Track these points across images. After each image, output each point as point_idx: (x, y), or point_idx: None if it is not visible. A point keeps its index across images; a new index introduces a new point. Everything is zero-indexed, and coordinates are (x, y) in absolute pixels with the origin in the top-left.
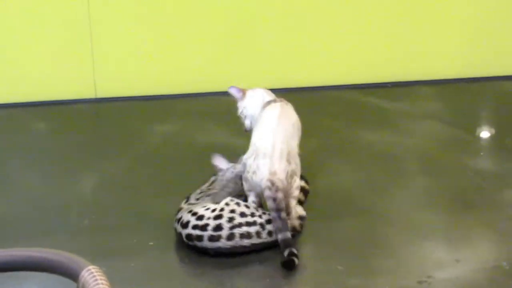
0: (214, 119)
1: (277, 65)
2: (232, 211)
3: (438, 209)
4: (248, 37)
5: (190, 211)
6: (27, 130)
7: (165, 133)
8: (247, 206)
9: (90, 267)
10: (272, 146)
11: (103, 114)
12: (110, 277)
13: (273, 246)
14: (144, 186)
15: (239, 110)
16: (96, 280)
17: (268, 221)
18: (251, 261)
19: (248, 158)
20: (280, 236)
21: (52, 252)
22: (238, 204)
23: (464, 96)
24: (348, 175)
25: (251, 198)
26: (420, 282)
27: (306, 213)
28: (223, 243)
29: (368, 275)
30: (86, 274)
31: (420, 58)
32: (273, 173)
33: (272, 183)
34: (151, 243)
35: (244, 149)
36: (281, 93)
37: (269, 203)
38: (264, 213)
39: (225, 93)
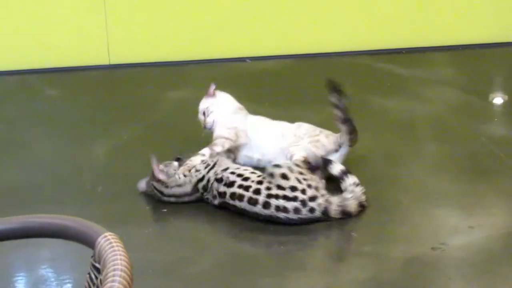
0: (227, 85)
1: (289, 32)
2: (270, 182)
3: (452, 176)
4: (261, 4)
5: (233, 172)
6: (41, 97)
7: (178, 100)
8: (284, 178)
9: (107, 233)
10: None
11: (117, 80)
12: (125, 243)
13: (312, 222)
14: (158, 152)
15: (205, 106)
16: (113, 246)
17: (313, 198)
18: (266, 228)
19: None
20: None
21: (68, 219)
22: (271, 175)
23: (479, 62)
24: (362, 141)
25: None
26: (434, 249)
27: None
28: (259, 210)
29: (382, 242)
30: (103, 240)
31: (434, 24)
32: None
33: None
34: (164, 210)
35: (256, 113)
36: (294, 59)
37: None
38: (310, 187)
39: (238, 60)
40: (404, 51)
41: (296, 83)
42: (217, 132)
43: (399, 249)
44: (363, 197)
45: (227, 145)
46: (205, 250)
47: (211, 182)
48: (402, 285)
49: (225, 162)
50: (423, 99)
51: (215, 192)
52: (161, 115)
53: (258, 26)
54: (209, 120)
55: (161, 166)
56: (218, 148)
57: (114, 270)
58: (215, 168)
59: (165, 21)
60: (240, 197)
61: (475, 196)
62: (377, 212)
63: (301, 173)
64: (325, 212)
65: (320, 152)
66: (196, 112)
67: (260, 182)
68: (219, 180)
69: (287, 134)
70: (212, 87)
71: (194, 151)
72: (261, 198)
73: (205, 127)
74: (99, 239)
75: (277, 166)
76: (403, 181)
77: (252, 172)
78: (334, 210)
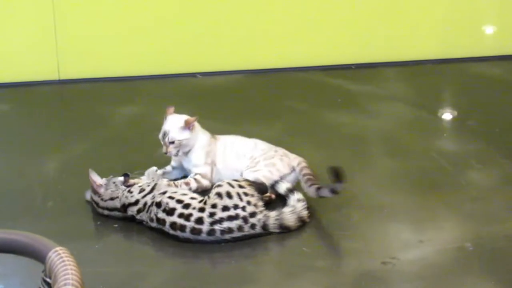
0: (178, 101)
1: (241, 47)
2: (214, 205)
3: (402, 191)
4: (214, 20)
5: (171, 197)
6: None
7: (129, 115)
8: (229, 196)
9: (58, 248)
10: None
11: (67, 96)
12: (76, 258)
13: (254, 237)
14: (108, 168)
15: (180, 137)
16: (64, 261)
17: (252, 214)
18: (215, 244)
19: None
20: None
21: (19, 234)
22: (219, 195)
23: (428, 78)
24: (313, 156)
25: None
26: (384, 263)
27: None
28: (204, 237)
29: (333, 256)
30: (54, 255)
31: (384, 40)
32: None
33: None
34: (115, 225)
35: (208, 129)
36: (246, 75)
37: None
38: (249, 204)
39: (189, 75)
40: (354, 67)
41: (247, 99)
42: (197, 167)
43: (351, 264)
44: (304, 212)
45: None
46: (155, 266)
47: (147, 206)
48: None
49: (163, 186)
50: (374, 114)
51: (152, 215)
52: (112, 131)
53: (209, 42)
54: (174, 152)
55: (103, 180)
56: (199, 185)
57: (65, 284)
58: (153, 192)
59: (115, 36)
60: (182, 228)
61: (426, 210)
62: (328, 227)
63: (240, 187)
64: (265, 226)
65: (274, 177)
66: (148, 127)
67: (202, 209)
68: (158, 205)
69: (244, 155)
70: (171, 109)
71: (146, 166)
72: (205, 227)
73: (165, 152)
74: (50, 253)
75: (219, 185)
76: (354, 195)
77: (192, 198)
78: (272, 224)
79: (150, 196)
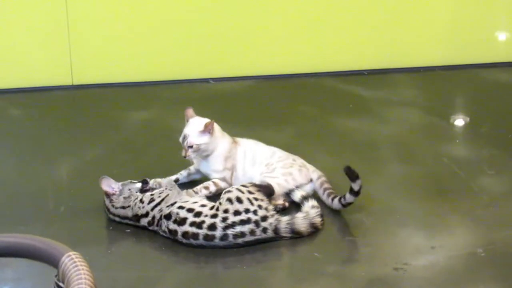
0: (191, 106)
1: (253, 53)
2: (226, 210)
3: (414, 196)
4: (226, 25)
5: (181, 207)
6: (3, 117)
7: (141, 120)
8: (239, 201)
9: (71, 252)
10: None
11: (80, 101)
12: (88, 263)
13: (266, 241)
14: (121, 173)
15: (199, 141)
16: (77, 265)
17: (264, 218)
18: (227, 249)
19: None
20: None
21: (32, 238)
22: (230, 201)
23: (440, 84)
24: (324, 162)
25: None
26: (396, 269)
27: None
28: (217, 242)
29: (344, 262)
30: (67, 260)
31: (396, 46)
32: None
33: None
34: (128, 230)
35: None
36: (258, 80)
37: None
38: (260, 208)
39: (202, 80)
40: (366, 73)
41: (260, 104)
42: (216, 173)
43: (362, 269)
44: (317, 219)
45: (224, 185)
46: (168, 270)
47: (156, 219)
48: None
49: (173, 197)
50: (386, 120)
51: (164, 228)
52: (124, 136)
53: (222, 48)
54: (193, 155)
55: (119, 184)
56: (217, 188)
57: None
58: (161, 205)
59: (128, 42)
60: (195, 236)
61: (437, 216)
62: (340, 233)
63: (250, 192)
64: (276, 230)
65: (289, 186)
66: (160, 132)
67: (214, 216)
68: (167, 217)
69: (260, 163)
70: (189, 110)
71: (158, 172)
72: (218, 232)
73: (184, 156)
74: (63, 258)
75: (229, 191)
76: (366, 201)
77: (202, 205)
78: (283, 229)
79: (158, 209)
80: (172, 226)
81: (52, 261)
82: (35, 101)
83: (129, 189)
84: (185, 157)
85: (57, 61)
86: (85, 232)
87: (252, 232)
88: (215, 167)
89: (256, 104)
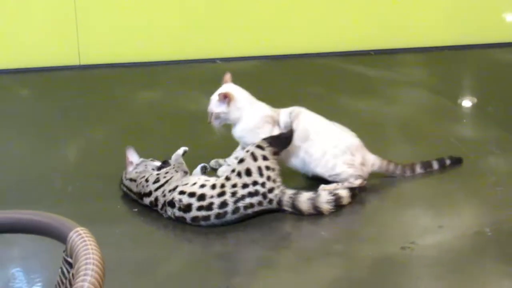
0: (198, 86)
1: (260, 33)
2: (234, 185)
3: (421, 177)
4: (233, 5)
5: (182, 192)
6: (12, 97)
7: (150, 100)
8: (248, 174)
9: (79, 228)
10: None
11: (88, 81)
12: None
13: (271, 211)
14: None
15: (217, 110)
16: (85, 241)
17: (270, 190)
18: (236, 227)
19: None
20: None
21: (40, 214)
22: (239, 175)
23: (448, 64)
24: None
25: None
26: (403, 248)
27: (291, 180)
28: (229, 217)
29: (352, 241)
30: (75, 235)
31: (403, 26)
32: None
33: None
34: (135, 210)
35: None
36: (265, 60)
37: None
38: (269, 179)
39: (208, 60)
40: (373, 53)
41: (267, 84)
42: (244, 143)
43: (369, 249)
44: (326, 206)
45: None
46: (176, 249)
47: (160, 203)
48: (372, 284)
49: (175, 180)
50: (393, 101)
51: (170, 215)
52: (133, 116)
53: (229, 27)
54: (216, 122)
55: (139, 159)
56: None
57: (86, 264)
58: (164, 187)
59: (135, 21)
60: (205, 218)
61: (445, 196)
62: (347, 212)
63: (264, 158)
64: (279, 202)
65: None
66: (168, 112)
67: (222, 194)
68: (170, 204)
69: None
70: (227, 76)
71: (165, 151)
72: (230, 207)
73: (209, 121)
74: (71, 233)
75: (242, 161)
76: (373, 181)
77: (202, 185)
78: (285, 201)
79: (161, 190)
80: (178, 213)
81: (60, 236)
82: (43, 81)
83: (145, 165)
84: (209, 122)
85: (64, 41)
86: (93, 211)
87: (259, 203)
88: (242, 138)
89: (263, 84)
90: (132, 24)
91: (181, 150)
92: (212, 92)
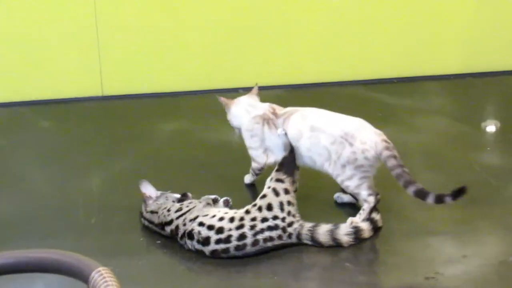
0: (221, 117)
1: (281, 63)
2: (253, 219)
3: (445, 205)
4: (253, 35)
5: (202, 224)
6: (35, 129)
7: (172, 131)
8: (269, 208)
9: (100, 268)
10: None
11: (110, 112)
12: (119, 275)
13: (290, 246)
14: (151, 184)
15: (228, 116)
16: (106, 281)
17: (290, 224)
18: (259, 259)
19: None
20: (413, 189)
21: (62, 254)
22: (260, 209)
23: (470, 91)
24: None
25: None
26: (427, 278)
27: (313, 210)
28: (249, 249)
29: (376, 272)
30: (96, 275)
31: (425, 53)
32: (379, 134)
33: (387, 141)
34: (158, 242)
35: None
36: (288, 89)
37: (390, 162)
38: (289, 214)
39: (232, 90)
40: (395, 81)
41: None
42: (249, 150)
43: (393, 279)
44: (344, 238)
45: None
46: (198, 282)
47: (180, 230)
48: None
49: (197, 209)
50: (415, 128)
51: (190, 247)
52: (154, 147)
53: (251, 57)
54: (237, 134)
55: (158, 192)
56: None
57: None
58: (185, 215)
59: (157, 52)
60: (225, 251)
61: (469, 225)
62: (370, 242)
63: (286, 192)
64: (298, 236)
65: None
66: (191, 143)
67: (241, 226)
68: (189, 236)
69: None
70: (255, 88)
71: (188, 185)
72: (249, 240)
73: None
74: (92, 273)
75: (264, 196)
76: (396, 210)
77: (221, 218)
78: (304, 235)
79: (182, 219)
80: (198, 246)
81: (82, 276)
82: (65, 113)
83: (166, 197)
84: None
85: (87, 72)
86: (116, 243)
87: (279, 237)
88: (246, 142)
89: None
90: (154, 55)
91: (213, 196)
92: None
